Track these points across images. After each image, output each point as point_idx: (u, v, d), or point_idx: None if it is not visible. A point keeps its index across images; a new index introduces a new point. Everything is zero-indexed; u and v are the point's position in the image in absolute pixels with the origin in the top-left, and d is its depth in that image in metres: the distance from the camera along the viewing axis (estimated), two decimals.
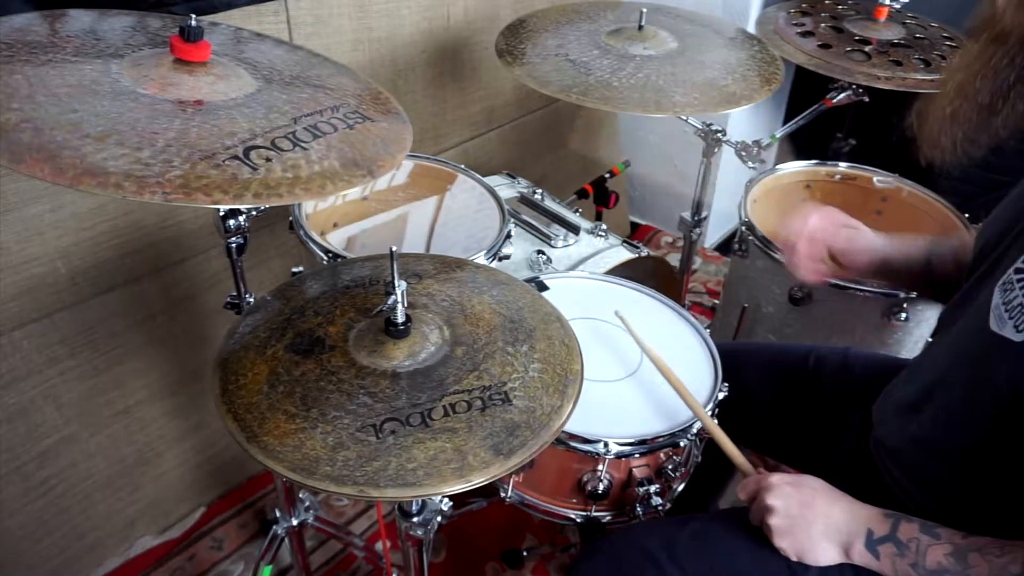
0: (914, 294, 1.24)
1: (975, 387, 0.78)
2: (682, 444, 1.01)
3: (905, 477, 0.88)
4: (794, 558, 0.83)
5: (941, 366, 0.87)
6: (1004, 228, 0.83)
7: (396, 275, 0.76)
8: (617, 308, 1.12)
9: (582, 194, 1.87)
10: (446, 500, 0.89)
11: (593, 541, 1.00)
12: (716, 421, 0.99)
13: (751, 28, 1.78)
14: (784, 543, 0.83)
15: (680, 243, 2.32)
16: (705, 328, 1.16)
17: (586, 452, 0.98)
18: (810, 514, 0.83)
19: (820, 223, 1.09)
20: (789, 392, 1.13)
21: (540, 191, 1.62)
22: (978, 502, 0.81)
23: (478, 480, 0.68)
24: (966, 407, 0.80)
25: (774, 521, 0.83)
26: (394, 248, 0.77)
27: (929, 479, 0.85)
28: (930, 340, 1.46)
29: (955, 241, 1.07)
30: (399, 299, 0.77)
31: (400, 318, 0.78)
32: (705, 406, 1.03)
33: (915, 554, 0.77)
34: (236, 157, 0.72)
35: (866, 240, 1.09)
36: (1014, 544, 0.74)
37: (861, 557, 0.80)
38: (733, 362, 1.12)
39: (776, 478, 0.86)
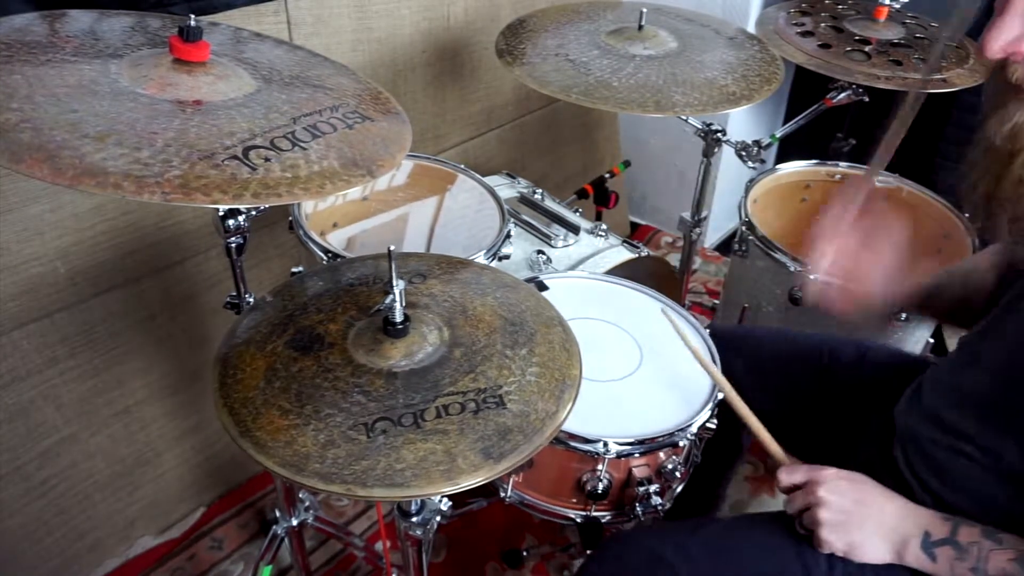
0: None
1: (1015, 398, 0.78)
2: (682, 444, 1.01)
3: (941, 484, 0.86)
4: (841, 553, 0.82)
5: (978, 376, 0.85)
6: None
7: (394, 274, 0.76)
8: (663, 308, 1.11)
9: (582, 194, 1.87)
10: (445, 500, 0.89)
11: (603, 545, 0.99)
12: (754, 415, 0.97)
13: (751, 28, 1.77)
14: (833, 537, 0.81)
15: (680, 243, 2.32)
16: (705, 328, 1.16)
17: (586, 452, 0.98)
18: (865, 511, 0.82)
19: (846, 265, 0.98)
20: (799, 387, 1.13)
21: (540, 191, 1.62)
22: (1018, 508, 0.80)
23: (466, 483, 0.67)
24: (1003, 418, 0.80)
25: (825, 515, 0.82)
26: (392, 248, 0.77)
27: (964, 486, 0.84)
28: (930, 341, 1.46)
29: (968, 266, 1.05)
30: (397, 299, 0.77)
31: (398, 318, 0.78)
32: (704, 406, 1.03)
33: (976, 558, 0.76)
34: (235, 157, 0.72)
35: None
36: None
37: (916, 558, 0.79)
38: (754, 339, 1.12)
39: (830, 471, 0.85)
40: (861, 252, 0.95)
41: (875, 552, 0.81)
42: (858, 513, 0.82)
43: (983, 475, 0.82)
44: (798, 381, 1.13)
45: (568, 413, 0.76)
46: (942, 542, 0.78)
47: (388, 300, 0.77)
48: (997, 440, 0.81)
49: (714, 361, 1.10)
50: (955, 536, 0.78)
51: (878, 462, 0.96)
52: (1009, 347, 0.81)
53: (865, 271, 0.95)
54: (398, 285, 0.77)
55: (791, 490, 0.88)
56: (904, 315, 1.26)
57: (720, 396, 1.05)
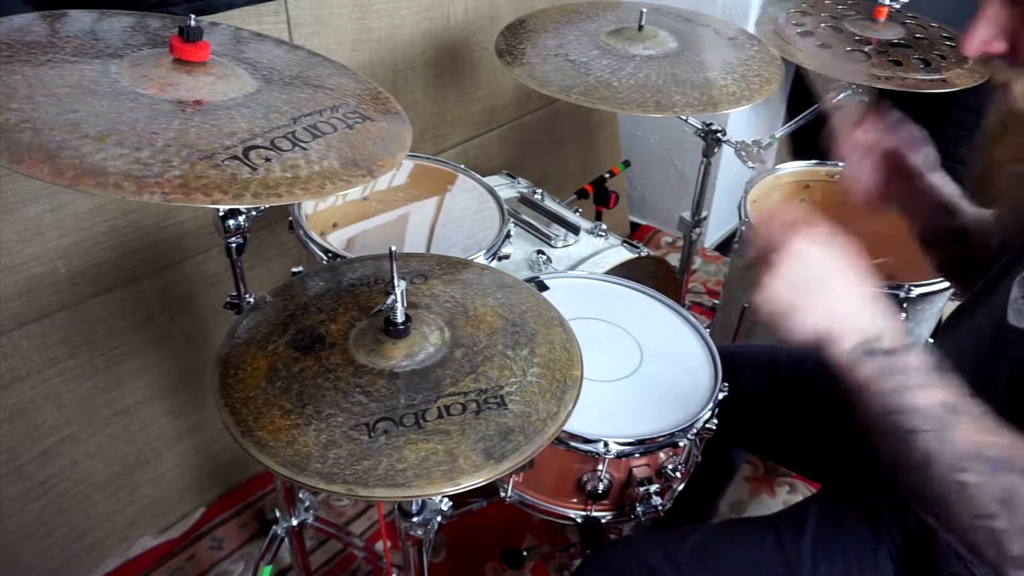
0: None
1: (988, 379, 0.77)
2: (682, 444, 1.01)
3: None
4: (766, 316, 0.70)
5: (956, 360, 0.84)
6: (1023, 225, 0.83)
7: (396, 275, 0.76)
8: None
9: (582, 194, 1.87)
10: (446, 500, 0.89)
11: (592, 553, 0.99)
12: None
13: (751, 28, 1.77)
14: (777, 290, 0.69)
15: (680, 243, 2.32)
16: (705, 328, 1.16)
17: (586, 452, 0.98)
18: (822, 284, 0.70)
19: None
20: (790, 396, 1.13)
21: (540, 191, 1.62)
22: None
23: (467, 484, 0.67)
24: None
25: (784, 265, 0.69)
26: (393, 248, 0.77)
27: None
28: (930, 341, 1.46)
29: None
30: (398, 299, 0.77)
31: (399, 318, 0.78)
32: (705, 406, 1.03)
33: (905, 379, 0.67)
34: (235, 157, 0.72)
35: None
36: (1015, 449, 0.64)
37: (843, 354, 0.69)
38: (733, 363, 1.11)
39: (803, 239, 0.71)
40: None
41: (804, 329, 0.69)
42: (814, 284, 0.70)
43: None
44: (795, 392, 1.13)
45: (569, 413, 0.76)
46: (888, 352, 0.68)
47: (390, 300, 0.77)
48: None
49: (715, 363, 1.10)
50: (905, 355, 0.68)
51: (866, 462, 0.96)
52: (996, 317, 0.79)
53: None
54: (399, 285, 0.77)
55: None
56: (904, 315, 1.26)
57: (720, 396, 1.05)
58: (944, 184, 0.96)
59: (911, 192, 0.96)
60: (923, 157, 0.95)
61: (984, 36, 0.70)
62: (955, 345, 0.88)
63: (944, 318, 1.51)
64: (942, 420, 0.65)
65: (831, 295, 0.70)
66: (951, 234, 0.98)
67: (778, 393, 1.13)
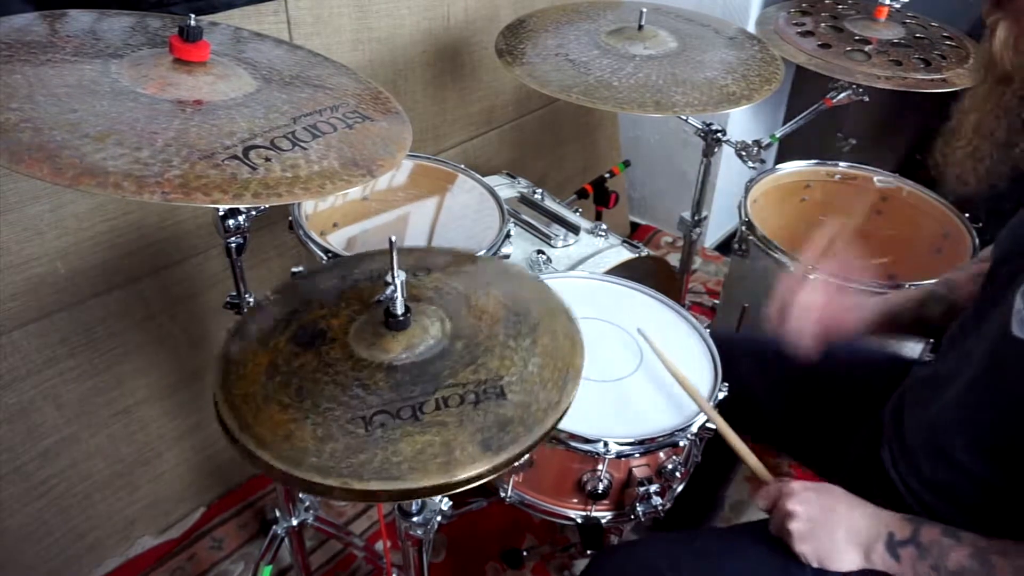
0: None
1: (993, 390, 0.79)
2: (682, 444, 1.01)
3: (920, 484, 0.88)
4: (815, 564, 0.84)
5: (960, 371, 0.86)
6: None
7: (395, 265, 0.76)
8: (639, 327, 1.12)
9: (582, 194, 1.87)
10: (446, 500, 0.89)
11: (596, 557, 1.00)
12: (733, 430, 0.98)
13: (751, 28, 1.77)
14: (805, 547, 0.83)
15: (680, 243, 2.32)
16: (705, 328, 1.16)
17: (586, 452, 0.98)
18: (833, 518, 0.83)
19: (813, 297, 1.03)
20: (793, 387, 1.13)
21: (540, 191, 1.62)
22: (996, 510, 0.82)
23: (463, 475, 0.66)
24: (983, 412, 0.81)
25: (795, 526, 0.84)
26: (393, 239, 0.76)
27: (945, 487, 0.86)
28: (929, 355, 1.47)
29: (945, 288, 1.06)
30: (398, 289, 0.77)
31: (399, 310, 0.78)
32: None
33: (936, 556, 0.78)
34: (235, 157, 0.72)
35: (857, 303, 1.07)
36: None
37: (882, 560, 0.81)
38: (731, 354, 1.11)
39: (798, 484, 0.87)
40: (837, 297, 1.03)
41: (846, 558, 0.82)
42: (826, 521, 0.83)
43: (965, 483, 0.84)
44: (794, 383, 1.13)
45: (570, 404, 0.76)
46: (905, 543, 0.80)
47: (389, 291, 0.76)
48: (978, 452, 0.82)
49: (715, 363, 1.10)
50: (917, 536, 0.80)
51: (866, 462, 0.97)
52: (993, 340, 0.82)
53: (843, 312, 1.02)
54: (399, 276, 0.76)
55: (769, 509, 0.89)
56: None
57: (720, 396, 1.05)
58: (904, 300, 1.05)
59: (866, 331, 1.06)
60: (860, 316, 1.03)
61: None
62: (959, 357, 0.88)
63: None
64: (977, 570, 0.75)
65: (843, 520, 0.83)
66: (918, 327, 1.07)
67: (783, 385, 1.14)
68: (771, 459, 1.55)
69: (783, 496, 0.86)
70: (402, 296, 0.77)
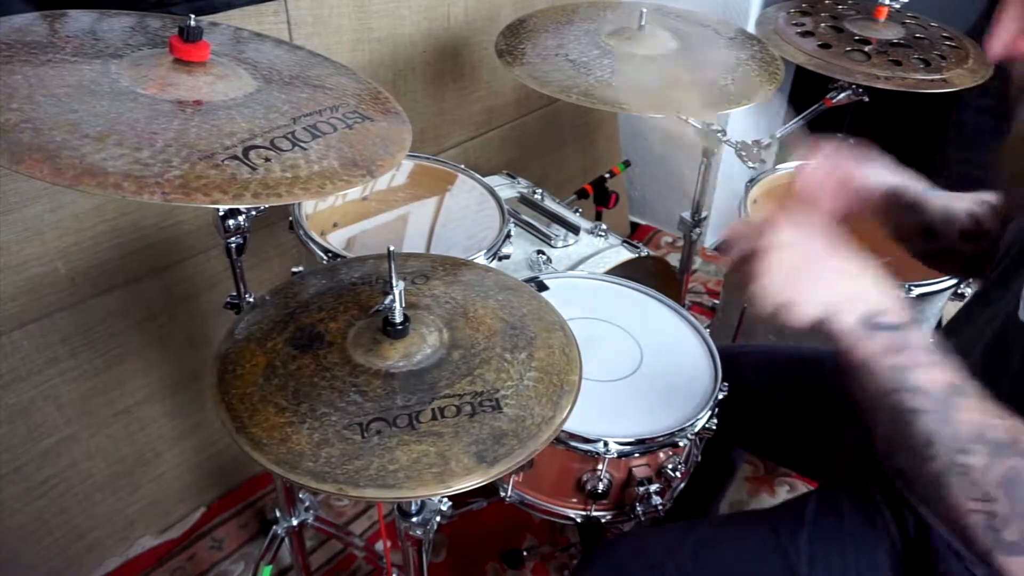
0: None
1: (996, 374, 0.75)
2: (682, 444, 1.01)
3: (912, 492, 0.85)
4: (763, 310, 0.70)
5: (965, 355, 0.83)
6: None
7: (394, 275, 0.76)
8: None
9: (582, 194, 1.87)
10: (445, 500, 0.89)
11: (594, 548, 0.99)
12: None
13: (751, 28, 1.77)
14: (775, 282, 0.69)
15: (680, 243, 2.32)
16: (705, 328, 1.16)
17: (586, 452, 0.98)
18: (819, 266, 0.71)
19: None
20: (790, 395, 1.13)
21: (540, 191, 1.62)
22: None
23: (458, 486, 0.67)
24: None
25: (774, 262, 0.70)
26: (392, 248, 0.77)
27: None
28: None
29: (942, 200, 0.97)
30: (396, 299, 0.77)
31: (398, 318, 0.78)
32: (705, 406, 1.03)
33: (909, 357, 0.66)
34: (235, 157, 0.72)
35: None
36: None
37: (846, 329, 0.68)
38: (734, 363, 1.11)
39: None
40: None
41: (809, 311, 0.69)
42: (810, 268, 0.70)
43: None
44: (790, 393, 1.13)
45: (565, 419, 0.76)
46: (893, 327, 0.68)
47: (388, 300, 0.77)
48: None
49: (715, 363, 1.10)
50: (907, 331, 0.68)
51: (858, 470, 0.96)
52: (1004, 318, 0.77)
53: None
54: (398, 285, 0.76)
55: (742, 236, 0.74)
56: None
57: (720, 396, 1.04)
58: (906, 185, 0.94)
59: (872, 205, 0.95)
60: (873, 170, 0.93)
61: (1008, 36, 0.68)
62: (963, 340, 0.87)
63: (944, 318, 1.52)
64: (945, 400, 0.64)
65: (830, 274, 0.70)
66: (919, 230, 0.96)
67: (778, 393, 1.13)
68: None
69: (765, 238, 0.71)
70: (401, 305, 0.78)
